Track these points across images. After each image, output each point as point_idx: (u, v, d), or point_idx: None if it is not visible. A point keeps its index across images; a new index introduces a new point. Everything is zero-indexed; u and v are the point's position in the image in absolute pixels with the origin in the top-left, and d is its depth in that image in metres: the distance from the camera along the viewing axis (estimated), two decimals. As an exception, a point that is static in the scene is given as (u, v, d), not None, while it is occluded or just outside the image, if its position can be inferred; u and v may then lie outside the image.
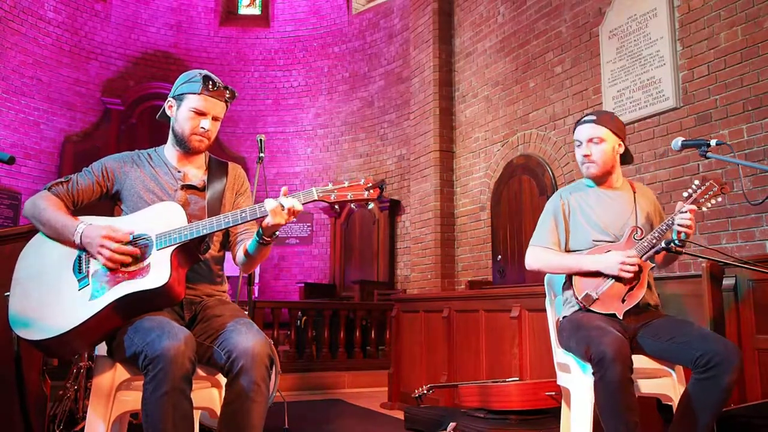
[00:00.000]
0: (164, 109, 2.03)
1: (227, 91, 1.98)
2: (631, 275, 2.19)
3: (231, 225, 1.81)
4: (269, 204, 1.75)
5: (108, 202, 2.01)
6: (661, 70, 4.52)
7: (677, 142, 2.22)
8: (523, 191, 5.84)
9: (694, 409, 1.98)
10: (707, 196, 2.16)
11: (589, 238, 2.34)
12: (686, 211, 2.11)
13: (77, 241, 1.76)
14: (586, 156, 2.35)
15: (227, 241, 2.06)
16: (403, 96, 8.27)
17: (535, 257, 2.38)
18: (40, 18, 8.33)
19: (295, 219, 1.80)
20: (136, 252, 1.75)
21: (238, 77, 9.56)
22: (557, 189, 5.38)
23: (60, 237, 1.80)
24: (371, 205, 1.86)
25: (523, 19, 6.01)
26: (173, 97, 1.99)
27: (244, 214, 1.80)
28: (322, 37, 9.59)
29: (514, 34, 6.10)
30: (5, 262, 1.94)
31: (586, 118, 2.37)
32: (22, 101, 8.08)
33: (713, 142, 2.07)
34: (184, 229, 1.78)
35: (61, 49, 8.58)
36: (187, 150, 2.00)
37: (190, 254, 1.84)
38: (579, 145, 2.38)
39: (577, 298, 2.26)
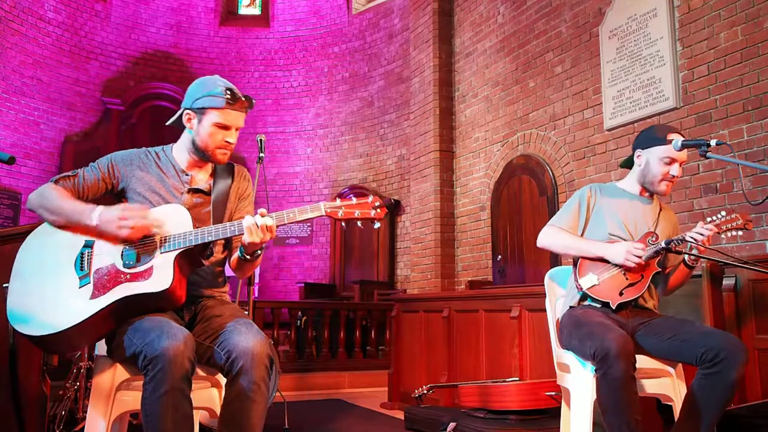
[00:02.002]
0: (179, 117, 1.98)
1: (248, 101, 1.95)
2: (634, 265, 2.22)
3: (236, 234, 1.79)
4: (246, 221, 1.74)
5: (112, 200, 1.98)
6: (661, 70, 4.52)
7: (677, 142, 2.22)
8: (523, 191, 5.84)
9: (699, 405, 1.99)
10: (729, 225, 2.21)
11: (605, 232, 2.36)
12: (708, 229, 2.16)
13: (94, 222, 1.73)
14: (674, 177, 2.34)
15: (230, 244, 2.05)
16: (403, 96, 8.27)
17: (548, 234, 2.42)
18: (40, 18, 8.33)
19: (272, 237, 1.77)
20: (152, 226, 1.74)
21: (238, 77, 9.57)
22: (557, 189, 5.44)
23: (72, 223, 1.77)
24: (378, 224, 1.85)
25: (523, 19, 6.01)
26: (192, 109, 1.92)
27: (240, 227, 1.79)
28: (322, 37, 9.60)
29: (514, 34, 6.10)
30: (5, 262, 1.94)
31: (681, 140, 2.25)
32: (22, 101, 8.09)
33: (713, 142, 2.07)
34: (189, 234, 1.77)
35: (61, 49, 8.58)
36: (208, 161, 1.99)
37: (194, 259, 1.83)
38: (670, 164, 2.32)
39: (576, 281, 2.29)
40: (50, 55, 8.44)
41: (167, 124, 2.05)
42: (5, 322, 1.71)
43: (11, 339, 2.16)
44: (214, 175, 2.04)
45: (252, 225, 1.73)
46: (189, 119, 1.95)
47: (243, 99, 1.92)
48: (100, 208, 1.76)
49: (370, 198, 1.80)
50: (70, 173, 1.92)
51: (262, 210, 1.77)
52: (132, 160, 1.97)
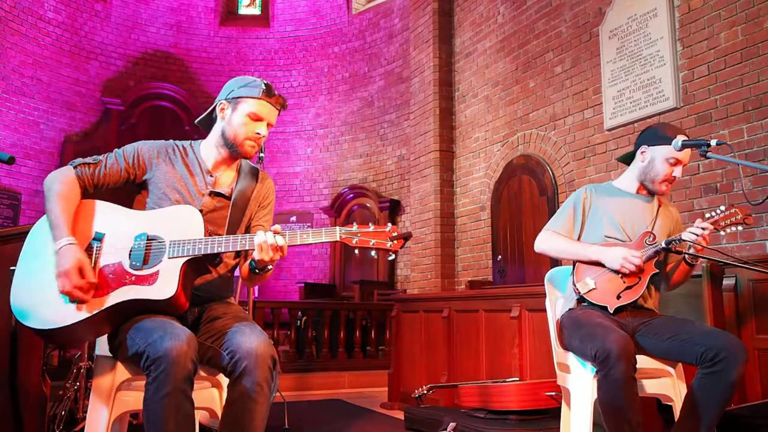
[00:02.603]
0: (210, 112, 1.97)
1: (282, 99, 1.96)
2: (628, 271, 2.21)
3: (246, 248, 1.77)
4: (258, 238, 1.72)
5: (132, 189, 1.96)
6: (661, 70, 4.52)
7: (677, 142, 2.22)
8: (523, 191, 5.84)
9: (700, 405, 1.99)
10: (729, 221, 2.18)
11: (601, 234, 2.36)
12: (703, 227, 2.14)
13: (55, 249, 1.71)
14: (675, 178, 2.33)
15: (245, 251, 2.01)
16: (403, 96, 8.27)
17: (545, 239, 2.42)
18: (40, 18, 8.33)
19: (283, 256, 1.75)
20: (87, 299, 1.67)
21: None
22: (557, 189, 5.44)
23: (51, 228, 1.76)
24: (392, 256, 1.77)
25: (523, 19, 6.01)
26: (226, 100, 1.93)
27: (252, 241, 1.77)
28: (322, 37, 9.60)
29: (514, 34, 6.10)
30: (5, 262, 1.93)
31: (681, 140, 2.22)
32: (22, 101, 8.09)
33: (713, 142, 2.07)
34: (199, 242, 1.74)
35: (61, 49, 8.58)
36: (236, 155, 1.96)
37: (201, 267, 1.81)
38: (675, 164, 2.31)
39: (574, 285, 2.29)
40: (50, 55, 8.44)
41: (196, 122, 2.03)
42: (9, 307, 1.70)
43: (13, 324, 2.14)
44: (238, 179, 2.00)
45: (263, 243, 1.71)
46: (222, 109, 1.94)
47: (278, 95, 1.94)
48: (65, 241, 1.69)
49: (389, 227, 1.74)
50: (91, 160, 1.87)
51: (277, 227, 1.74)
52: (159, 152, 1.94)
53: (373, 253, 1.77)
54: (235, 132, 1.91)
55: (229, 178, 2.00)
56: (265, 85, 1.91)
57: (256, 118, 1.91)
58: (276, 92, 1.93)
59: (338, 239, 1.72)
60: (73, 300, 1.67)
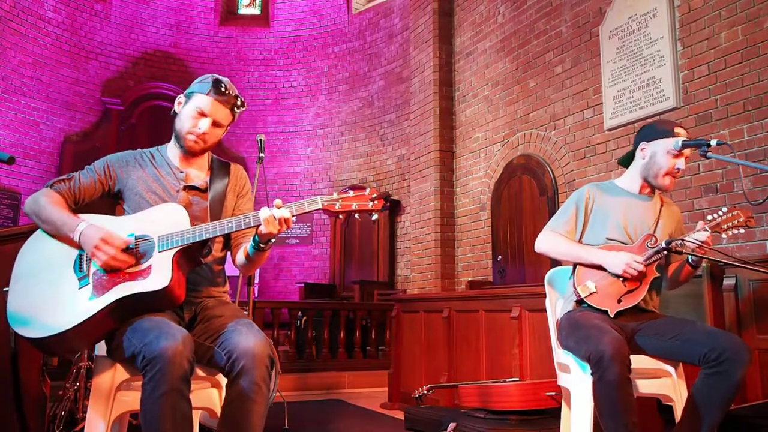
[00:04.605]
0: (175, 106, 2.03)
1: (236, 99, 1.96)
2: (630, 277, 2.20)
3: (234, 230, 1.79)
4: (263, 213, 1.75)
5: (110, 201, 2.00)
6: (661, 70, 4.52)
7: (677, 142, 2.22)
8: (523, 191, 5.84)
9: (702, 405, 1.98)
10: (731, 224, 2.18)
11: (603, 236, 2.34)
12: (705, 237, 2.14)
13: (76, 238, 1.76)
14: (678, 170, 2.31)
15: (228, 242, 2.05)
16: (403, 96, 8.27)
17: (546, 240, 2.39)
18: (39, 18, 8.33)
19: (288, 228, 1.79)
20: (131, 262, 1.74)
21: (238, 77, 9.57)
22: (557, 189, 5.44)
23: (60, 234, 1.79)
24: (375, 216, 1.85)
25: (523, 19, 6.01)
26: (184, 95, 1.99)
27: (247, 220, 1.78)
28: (322, 37, 9.60)
29: (515, 34, 6.10)
30: (5, 262, 1.93)
31: (682, 140, 2.24)
32: (22, 101, 8.08)
33: (713, 142, 2.07)
34: (186, 232, 1.77)
35: (61, 49, 8.58)
36: (181, 148, 1.99)
37: (192, 257, 1.83)
38: (677, 157, 2.29)
39: (575, 288, 2.27)
40: (50, 55, 8.44)
41: (172, 113, 2.06)
42: (6, 326, 1.71)
43: (13, 343, 2.15)
44: (211, 173, 2.04)
45: (269, 217, 1.74)
46: (179, 103, 2.00)
47: (230, 94, 1.94)
48: (83, 224, 1.76)
49: (367, 190, 1.81)
50: (65, 177, 1.92)
51: (278, 201, 1.78)
52: (127, 161, 1.99)
53: (360, 216, 1.82)
54: (180, 125, 1.96)
55: (202, 172, 2.04)
56: (215, 81, 1.93)
57: (201, 114, 1.94)
58: (228, 91, 1.94)
59: (320, 207, 1.76)
60: (111, 270, 1.71)
